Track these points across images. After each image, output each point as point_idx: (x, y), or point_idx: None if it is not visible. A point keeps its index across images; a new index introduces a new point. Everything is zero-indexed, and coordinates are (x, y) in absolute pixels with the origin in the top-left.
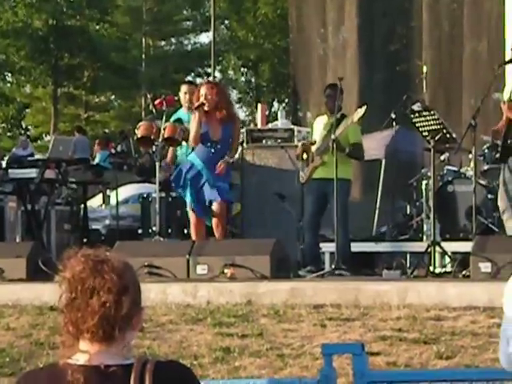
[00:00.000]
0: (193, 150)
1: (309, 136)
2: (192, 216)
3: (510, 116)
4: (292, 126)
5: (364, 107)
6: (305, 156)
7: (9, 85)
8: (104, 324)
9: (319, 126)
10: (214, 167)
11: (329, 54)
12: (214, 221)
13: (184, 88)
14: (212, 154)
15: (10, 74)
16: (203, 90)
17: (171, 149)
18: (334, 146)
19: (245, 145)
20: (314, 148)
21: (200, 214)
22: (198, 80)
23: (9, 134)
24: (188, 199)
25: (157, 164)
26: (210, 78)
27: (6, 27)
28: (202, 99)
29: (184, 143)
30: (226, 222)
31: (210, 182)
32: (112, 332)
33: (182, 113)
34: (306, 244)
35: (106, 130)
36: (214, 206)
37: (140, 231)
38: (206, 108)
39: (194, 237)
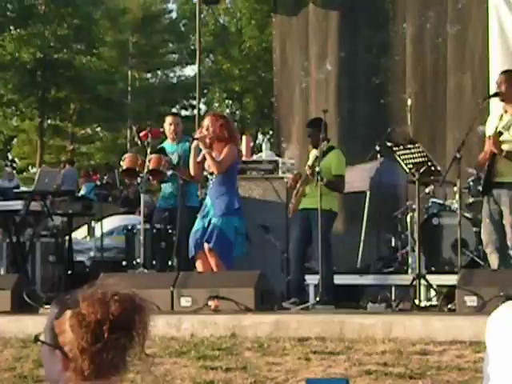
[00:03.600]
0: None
1: (293, 168)
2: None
3: (494, 150)
4: (276, 158)
5: (324, 142)
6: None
7: None
8: (127, 361)
9: (311, 158)
10: (215, 197)
11: (312, 86)
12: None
13: (169, 119)
14: (212, 185)
15: None
16: (207, 122)
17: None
18: (318, 177)
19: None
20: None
21: (192, 247)
22: (183, 112)
23: None
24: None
25: (141, 196)
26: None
27: None
28: (204, 131)
29: (168, 174)
30: (217, 261)
31: (211, 217)
32: (128, 366)
33: (167, 144)
34: (292, 275)
35: (92, 162)
36: (205, 247)
37: (124, 263)
38: (206, 140)
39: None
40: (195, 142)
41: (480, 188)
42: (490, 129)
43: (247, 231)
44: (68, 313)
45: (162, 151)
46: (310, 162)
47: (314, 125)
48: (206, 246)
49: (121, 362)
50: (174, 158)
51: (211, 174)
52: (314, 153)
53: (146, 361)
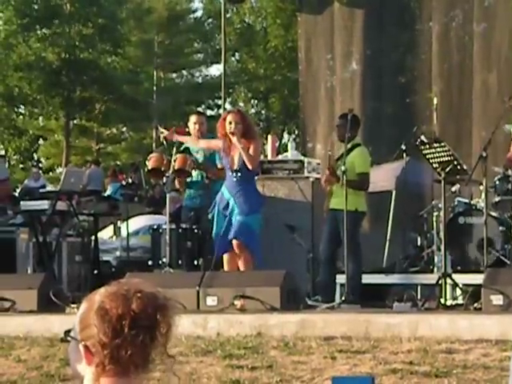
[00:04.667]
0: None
1: (318, 168)
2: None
3: None
4: (302, 158)
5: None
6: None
7: (21, 117)
8: (149, 358)
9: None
10: (239, 195)
11: (337, 85)
12: (237, 256)
13: (193, 118)
14: (235, 183)
15: (22, 107)
16: (233, 118)
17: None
18: (344, 177)
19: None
20: None
21: (219, 249)
22: (209, 112)
23: (21, 165)
24: (214, 230)
25: (167, 195)
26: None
27: (20, 60)
28: (232, 128)
29: (194, 173)
30: (247, 256)
31: (235, 215)
32: (149, 365)
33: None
34: (321, 276)
35: (118, 162)
36: (233, 244)
37: (150, 263)
38: (234, 138)
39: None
40: (234, 138)
41: (510, 186)
42: None
43: (272, 231)
44: (90, 307)
45: (187, 151)
46: (331, 162)
47: (341, 120)
48: (234, 242)
49: (141, 360)
50: (199, 157)
51: (234, 171)
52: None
53: (168, 362)
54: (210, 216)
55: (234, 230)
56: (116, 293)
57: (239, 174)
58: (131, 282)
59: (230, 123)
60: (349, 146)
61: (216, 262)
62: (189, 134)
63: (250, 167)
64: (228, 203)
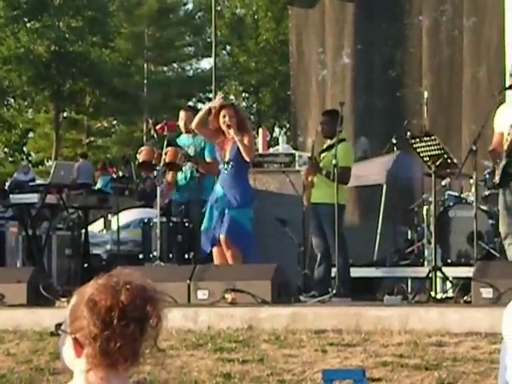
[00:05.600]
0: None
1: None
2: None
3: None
4: (293, 151)
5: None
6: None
7: (11, 110)
8: (140, 351)
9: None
10: (230, 188)
11: (328, 79)
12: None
13: (180, 115)
14: (226, 175)
15: (12, 100)
16: (228, 112)
17: (171, 173)
18: (335, 172)
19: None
20: None
21: (205, 243)
22: (200, 105)
23: (11, 159)
24: (204, 224)
25: (158, 189)
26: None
27: (9, 53)
28: (227, 121)
29: (184, 168)
30: (234, 252)
31: (225, 210)
32: (139, 358)
33: (183, 137)
34: (317, 270)
35: (108, 155)
36: (221, 240)
37: (141, 256)
38: (231, 131)
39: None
40: (231, 130)
41: (495, 180)
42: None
43: (263, 224)
44: (80, 299)
45: (175, 144)
46: (314, 154)
47: (330, 115)
48: (222, 237)
49: (130, 353)
50: (191, 151)
51: (225, 163)
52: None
53: (158, 356)
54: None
55: (223, 226)
56: (105, 285)
57: (230, 166)
58: (121, 274)
59: (225, 116)
60: (333, 139)
61: (205, 257)
62: (179, 128)
63: (247, 159)
64: (217, 197)
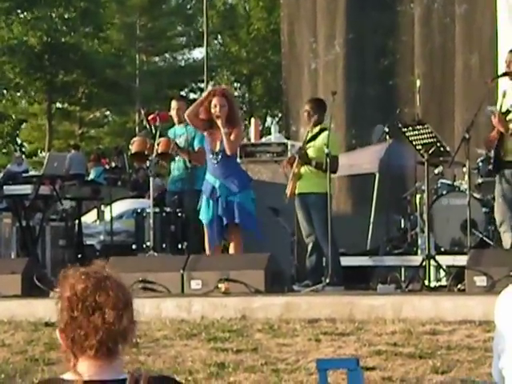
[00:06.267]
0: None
1: None
2: (206, 232)
3: (500, 128)
4: (285, 141)
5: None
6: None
7: (4, 101)
8: (107, 340)
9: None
10: (225, 176)
11: (320, 68)
12: (231, 242)
13: (172, 104)
14: (216, 165)
15: (4, 91)
16: (216, 101)
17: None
18: (328, 161)
19: (238, 159)
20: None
21: (211, 239)
22: (192, 95)
23: (4, 150)
24: (205, 220)
25: (151, 179)
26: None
27: (1, 44)
28: (217, 111)
29: (177, 157)
30: (238, 241)
31: (225, 196)
32: (114, 347)
33: (176, 127)
34: (310, 259)
35: (101, 146)
36: (229, 227)
37: (134, 246)
38: (219, 121)
39: (207, 251)
40: (219, 121)
41: (491, 167)
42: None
43: (257, 213)
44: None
45: (166, 135)
46: (304, 145)
47: (314, 104)
48: (231, 226)
49: (95, 342)
50: (182, 142)
51: (214, 153)
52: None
53: (128, 348)
54: (198, 207)
55: (230, 213)
56: (66, 277)
57: (219, 157)
58: (87, 267)
59: (216, 106)
60: (317, 129)
61: (198, 246)
62: (172, 118)
63: (228, 153)
64: (214, 188)
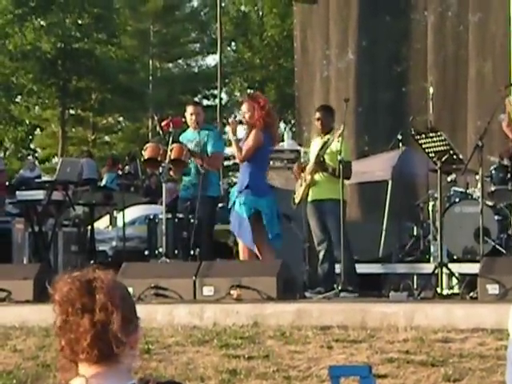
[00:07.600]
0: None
1: None
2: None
3: (509, 134)
4: (298, 147)
5: (342, 126)
6: (302, 175)
7: (17, 107)
8: (98, 343)
9: (313, 147)
10: (242, 184)
11: (333, 75)
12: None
13: (190, 109)
14: (242, 169)
15: (18, 97)
16: (244, 108)
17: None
18: (341, 167)
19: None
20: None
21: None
22: (205, 102)
23: (17, 155)
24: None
25: (163, 185)
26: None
27: (15, 50)
28: (244, 116)
29: (190, 164)
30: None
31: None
32: (108, 351)
33: (188, 132)
34: (323, 266)
35: (114, 152)
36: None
37: (146, 252)
38: (243, 128)
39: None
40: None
41: (509, 176)
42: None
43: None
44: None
45: (179, 141)
46: (315, 151)
47: (319, 112)
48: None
49: (86, 346)
50: (193, 146)
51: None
52: (318, 141)
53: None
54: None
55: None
56: (59, 283)
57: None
58: (81, 272)
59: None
60: (327, 136)
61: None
62: (186, 124)
63: (237, 159)
64: (240, 192)
